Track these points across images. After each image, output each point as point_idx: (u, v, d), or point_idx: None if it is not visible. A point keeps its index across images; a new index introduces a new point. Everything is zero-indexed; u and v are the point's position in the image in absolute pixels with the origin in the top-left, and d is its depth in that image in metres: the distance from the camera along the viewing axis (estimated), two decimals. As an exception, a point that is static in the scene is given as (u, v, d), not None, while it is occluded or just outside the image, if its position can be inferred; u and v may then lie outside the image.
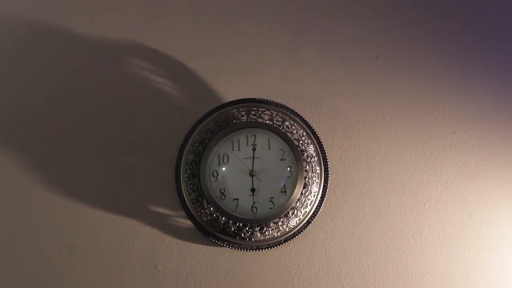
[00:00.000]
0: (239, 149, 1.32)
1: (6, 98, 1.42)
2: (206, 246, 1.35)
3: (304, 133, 1.34)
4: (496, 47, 1.45)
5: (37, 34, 1.45)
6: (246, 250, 1.33)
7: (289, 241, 1.33)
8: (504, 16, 1.46)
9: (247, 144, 1.32)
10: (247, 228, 1.29)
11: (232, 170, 1.31)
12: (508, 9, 1.46)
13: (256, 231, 1.29)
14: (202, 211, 1.31)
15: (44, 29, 1.44)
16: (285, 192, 1.30)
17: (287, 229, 1.31)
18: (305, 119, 1.36)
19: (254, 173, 1.30)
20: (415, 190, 1.39)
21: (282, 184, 1.30)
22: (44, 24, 1.44)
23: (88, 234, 1.36)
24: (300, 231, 1.33)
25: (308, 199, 1.31)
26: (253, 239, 1.30)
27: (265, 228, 1.29)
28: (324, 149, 1.35)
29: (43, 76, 1.43)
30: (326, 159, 1.35)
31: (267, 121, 1.33)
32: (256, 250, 1.33)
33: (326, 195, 1.34)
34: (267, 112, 1.34)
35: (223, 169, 1.31)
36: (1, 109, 1.42)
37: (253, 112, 1.34)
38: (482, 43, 1.44)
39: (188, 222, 1.34)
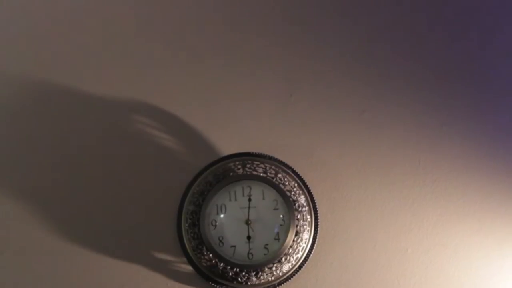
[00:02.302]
0: (235, 200, 1.36)
1: (13, 153, 1.46)
2: (206, 290, 1.40)
3: (296, 184, 1.39)
4: (473, 101, 1.51)
5: (41, 92, 1.49)
6: (243, 293, 1.39)
7: (282, 285, 1.38)
8: (480, 72, 1.52)
9: (243, 195, 1.36)
10: (243, 273, 1.34)
11: (229, 219, 1.36)
12: (484, 65, 1.53)
13: (252, 275, 1.34)
14: (202, 257, 1.36)
15: (48, 87, 1.49)
16: (278, 239, 1.34)
17: (280, 274, 1.36)
18: (296, 171, 1.41)
19: (249, 221, 1.35)
20: (399, 235, 1.44)
21: (275, 232, 1.35)
22: (48, 82, 1.49)
23: (96, 278, 1.40)
24: (292, 275, 1.37)
25: (300, 246, 1.36)
26: (249, 283, 1.35)
27: (260, 273, 1.34)
28: (314, 198, 1.40)
29: (47, 132, 1.47)
30: (316, 208, 1.40)
31: (261, 174, 1.38)
32: (252, 293, 1.39)
33: (316, 242, 1.39)
34: (261, 165, 1.39)
35: (221, 217, 1.36)
36: (6, 163, 1.45)
37: (248, 165, 1.39)
38: (460, 97, 1.50)
39: (189, 268, 1.38)
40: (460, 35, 1.54)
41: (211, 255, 1.35)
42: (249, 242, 1.35)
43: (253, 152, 1.41)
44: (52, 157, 1.47)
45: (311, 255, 1.39)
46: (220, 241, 1.35)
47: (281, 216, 1.36)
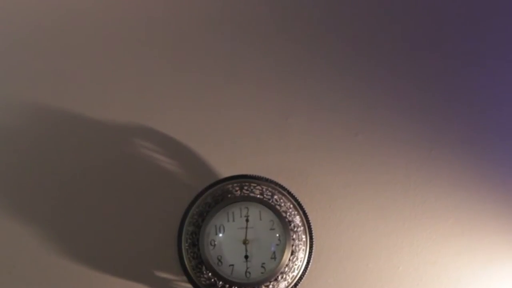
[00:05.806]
0: (233, 220, 1.37)
1: (16, 175, 1.47)
2: (206, 308, 1.41)
3: (291, 205, 1.41)
4: (459, 128, 1.54)
5: (41, 116, 1.50)
6: (241, 310, 1.39)
7: (279, 302, 1.38)
8: (465, 101, 1.55)
9: (241, 216, 1.37)
10: (241, 291, 1.35)
11: (227, 239, 1.36)
12: (469, 94, 1.56)
13: (250, 293, 1.35)
14: (202, 276, 1.36)
15: (49, 110, 1.50)
16: (275, 258, 1.35)
17: (277, 292, 1.38)
18: (291, 192, 1.41)
19: (247, 241, 1.36)
20: (390, 254, 1.47)
21: (272, 251, 1.36)
22: (49, 105, 1.50)
23: (100, 296, 1.42)
24: (288, 293, 1.39)
25: (296, 264, 1.38)
26: (246, 301, 1.35)
27: (257, 291, 1.35)
28: (309, 219, 1.40)
29: (48, 155, 1.48)
30: (311, 228, 1.40)
31: (258, 195, 1.39)
32: (249, 311, 1.39)
33: (311, 260, 1.39)
34: (258, 187, 1.41)
35: (220, 237, 1.37)
36: (10, 186, 1.46)
37: (245, 187, 1.40)
38: (447, 125, 1.53)
39: (189, 286, 1.39)
40: (450, 63, 1.57)
41: (210, 274, 1.36)
42: (246, 261, 1.36)
43: (250, 175, 1.43)
44: (54, 180, 1.48)
45: (306, 273, 1.40)
46: (219, 260, 1.36)
47: (277, 236, 1.37)
